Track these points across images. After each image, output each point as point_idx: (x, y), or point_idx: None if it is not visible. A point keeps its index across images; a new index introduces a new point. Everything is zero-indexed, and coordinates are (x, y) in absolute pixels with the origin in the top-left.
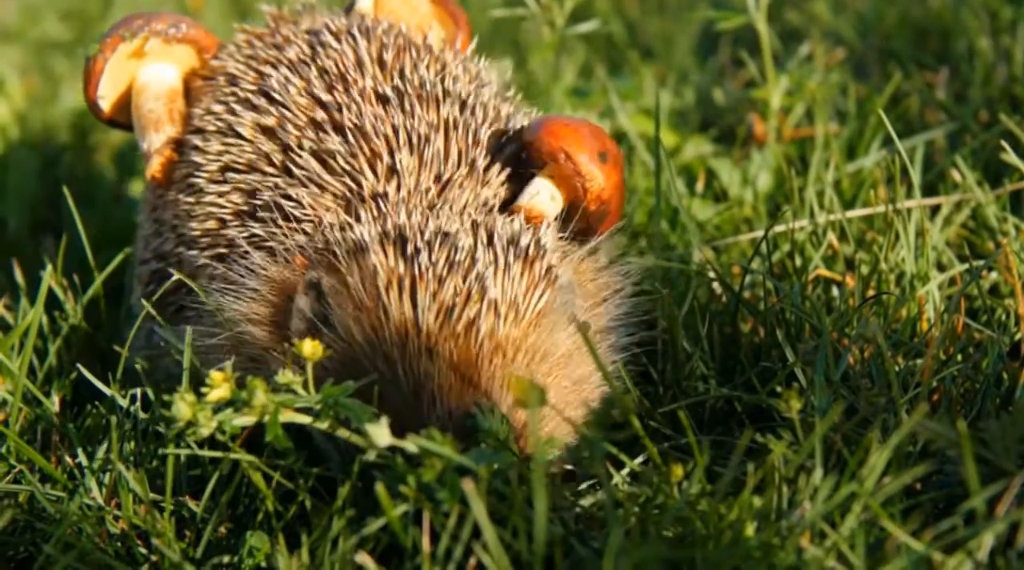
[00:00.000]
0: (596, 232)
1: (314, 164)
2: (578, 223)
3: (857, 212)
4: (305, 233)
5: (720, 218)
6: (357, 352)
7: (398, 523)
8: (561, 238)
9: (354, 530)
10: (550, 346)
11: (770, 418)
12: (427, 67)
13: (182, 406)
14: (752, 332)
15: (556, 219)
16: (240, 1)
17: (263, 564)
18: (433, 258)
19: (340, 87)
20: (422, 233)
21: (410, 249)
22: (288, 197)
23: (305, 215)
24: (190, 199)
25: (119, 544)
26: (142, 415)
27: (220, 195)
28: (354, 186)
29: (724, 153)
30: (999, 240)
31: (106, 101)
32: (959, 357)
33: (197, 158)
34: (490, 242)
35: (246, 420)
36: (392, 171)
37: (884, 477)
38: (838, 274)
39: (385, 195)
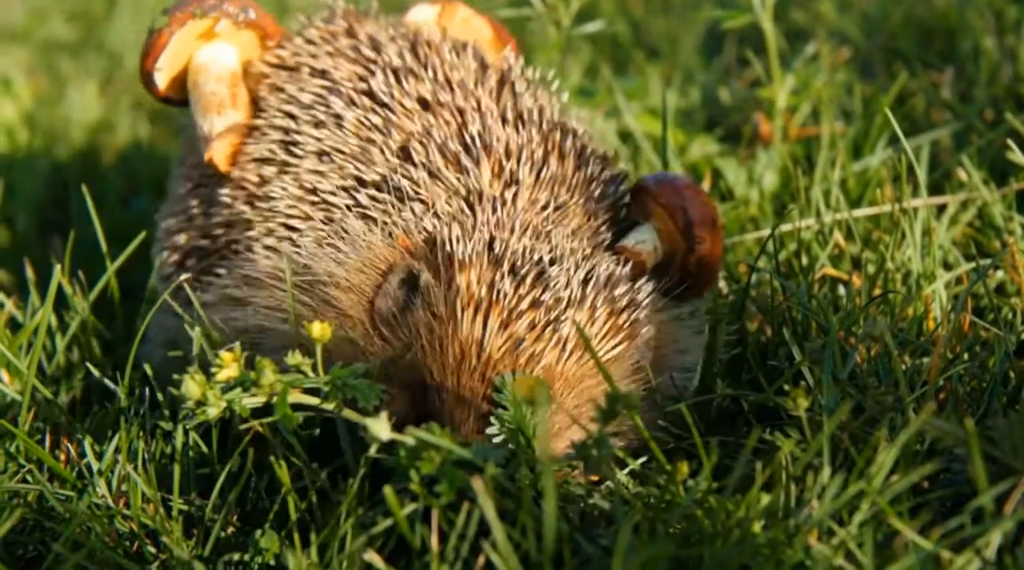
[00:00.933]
0: (686, 296)
1: (436, 157)
2: (670, 281)
3: (863, 211)
4: (414, 212)
5: (726, 217)
6: (417, 355)
7: (405, 523)
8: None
9: (363, 529)
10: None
11: (777, 417)
12: (530, 97)
13: (191, 385)
14: (759, 331)
15: (652, 270)
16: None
17: (272, 563)
18: (521, 291)
19: (457, 96)
20: (523, 259)
21: (504, 274)
22: (404, 177)
23: (418, 195)
24: (272, 169)
25: (128, 543)
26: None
27: (316, 172)
28: (474, 184)
29: (730, 152)
30: (1005, 239)
31: (163, 75)
32: (966, 356)
33: (284, 137)
34: (585, 283)
35: (255, 400)
36: (513, 181)
37: (892, 475)
38: (844, 273)
39: (503, 200)
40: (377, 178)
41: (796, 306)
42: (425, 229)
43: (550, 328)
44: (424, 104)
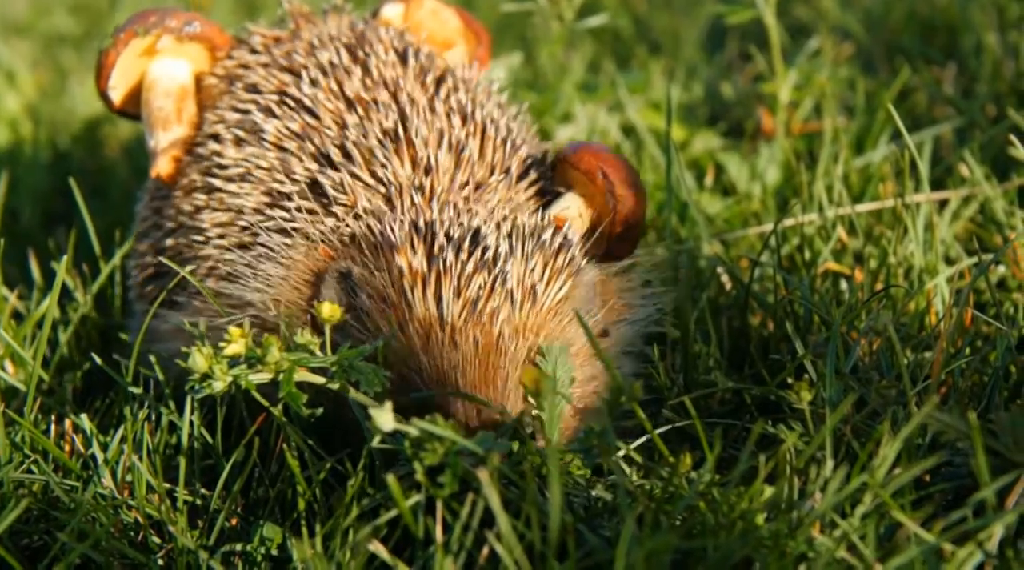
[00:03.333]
0: (616, 257)
1: (356, 155)
2: (598, 245)
3: (866, 206)
4: (336, 217)
5: (729, 212)
6: (381, 336)
7: (409, 514)
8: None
9: (367, 519)
10: (568, 336)
11: (779, 411)
12: (464, 91)
13: (198, 358)
14: (761, 325)
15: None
16: None
17: (275, 553)
18: (460, 256)
19: (384, 92)
20: (450, 230)
21: (437, 246)
22: (319, 182)
23: (338, 199)
24: (202, 196)
25: (133, 533)
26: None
27: (238, 194)
28: (391, 178)
29: (733, 147)
30: (1007, 234)
31: (117, 92)
32: (968, 350)
33: (209, 163)
34: (511, 235)
35: (261, 377)
36: (428, 169)
37: (894, 468)
38: (847, 268)
39: (421, 189)
40: (296, 189)
41: (798, 300)
42: (347, 231)
43: (498, 283)
44: (350, 103)
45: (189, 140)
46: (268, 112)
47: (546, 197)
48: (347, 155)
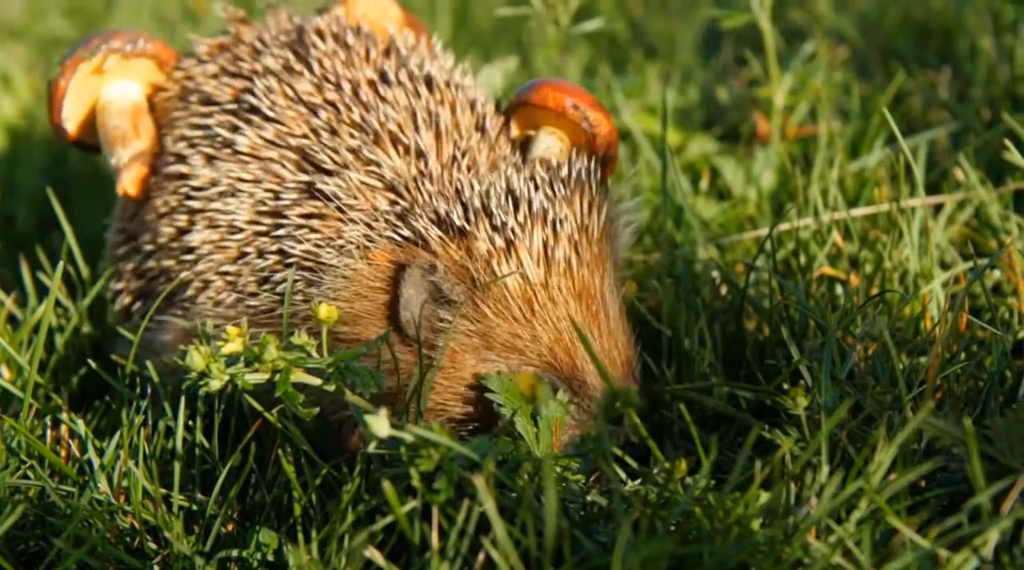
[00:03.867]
0: (604, 176)
1: (346, 157)
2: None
3: (861, 210)
4: (366, 223)
5: (724, 216)
6: (487, 323)
7: (405, 520)
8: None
9: (364, 525)
10: (616, 258)
11: (775, 415)
12: (411, 58)
13: (196, 356)
14: (757, 330)
15: None
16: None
17: (271, 558)
18: (519, 218)
19: (334, 86)
20: (495, 197)
21: (497, 216)
22: (321, 189)
23: (353, 205)
24: (183, 217)
25: (129, 539)
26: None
27: (225, 211)
28: (392, 173)
29: (728, 151)
30: (1002, 239)
31: (71, 122)
32: (963, 355)
33: (187, 182)
34: (538, 184)
35: (258, 377)
36: (419, 153)
37: (890, 474)
38: (842, 272)
39: (421, 174)
40: (293, 198)
41: (794, 305)
42: (399, 234)
43: (560, 230)
44: (310, 107)
45: (151, 153)
46: (233, 124)
47: (518, 144)
48: (335, 160)
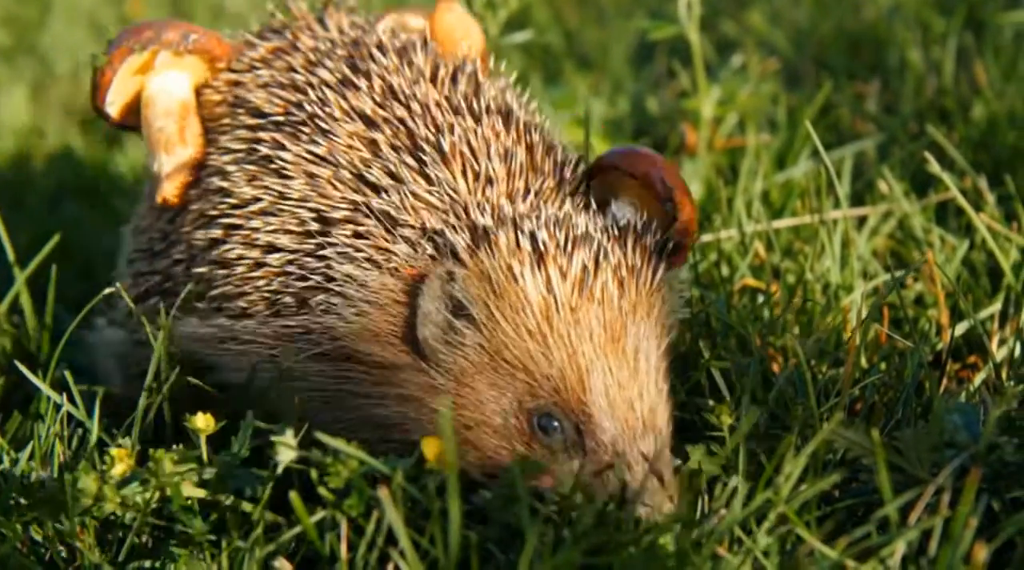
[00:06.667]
0: (675, 261)
1: (405, 173)
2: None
3: (783, 222)
4: (407, 240)
5: None
6: (500, 336)
7: (314, 531)
8: None
9: (272, 537)
10: (665, 317)
11: (692, 428)
12: (480, 83)
13: (88, 481)
14: (678, 340)
15: None
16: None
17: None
18: (555, 235)
19: (402, 103)
20: (537, 218)
21: (529, 229)
22: (372, 207)
23: (403, 222)
24: (218, 231)
25: (42, 550)
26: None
27: (265, 229)
28: (451, 193)
29: None
30: (925, 251)
31: (114, 107)
32: (882, 366)
33: (226, 200)
34: (598, 222)
35: (150, 495)
36: (488, 179)
37: (802, 485)
38: (763, 283)
39: (486, 201)
40: (342, 215)
41: (715, 315)
42: (423, 250)
43: (601, 258)
44: (368, 121)
45: (195, 162)
46: (280, 140)
47: (592, 205)
48: (392, 175)
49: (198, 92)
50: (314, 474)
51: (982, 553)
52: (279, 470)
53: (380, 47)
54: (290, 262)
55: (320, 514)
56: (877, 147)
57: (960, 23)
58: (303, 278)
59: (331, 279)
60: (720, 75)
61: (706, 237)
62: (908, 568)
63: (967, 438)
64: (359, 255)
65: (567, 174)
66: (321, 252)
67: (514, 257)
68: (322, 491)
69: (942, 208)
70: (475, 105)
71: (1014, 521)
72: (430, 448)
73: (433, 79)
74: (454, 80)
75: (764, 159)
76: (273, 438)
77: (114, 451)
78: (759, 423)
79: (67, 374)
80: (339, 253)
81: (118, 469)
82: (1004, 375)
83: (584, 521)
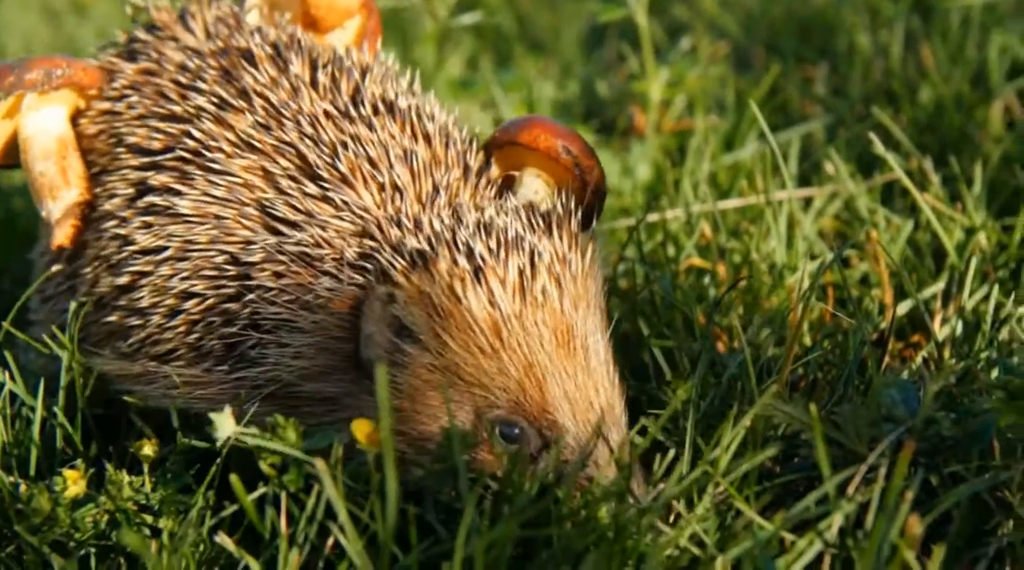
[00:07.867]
0: (592, 221)
1: (311, 204)
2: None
3: (731, 203)
4: (329, 274)
5: None
6: (450, 356)
7: (252, 509)
8: None
9: (212, 514)
10: (600, 299)
11: (636, 406)
12: (364, 81)
13: (42, 501)
14: (623, 319)
15: None
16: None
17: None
18: (490, 245)
19: (287, 119)
20: (466, 226)
21: (463, 245)
22: (286, 247)
23: (320, 257)
24: (124, 279)
25: None
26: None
27: (175, 276)
28: (360, 213)
29: (605, 144)
30: (869, 231)
31: None
32: (825, 344)
33: (125, 249)
34: (520, 217)
35: (101, 517)
36: (395, 188)
37: (740, 459)
38: (709, 263)
39: (398, 212)
40: (258, 258)
41: (660, 294)
42: (348, 278)
43: (536, 261)
44: (257, 151)
45: (83, 203)
46: (173, 186)
47: (500, 183)
48: (298, 209)
49: (74, 121)
50: (253, 445)
51: (916, 526)
52: (218, 445)
53: (250, 58)
54: (210, 309)
55: (261, 490)
56: (825, 129)
57: (908, 7)
58: (228, 323)
59: (259, 325)
60: (670, 58)
61: (653, 217)
62: (846, 540)
63: (904, 413)
64: (284, 298)
65: (470, 161)
66: (245, 297)
67: (454, 277)
68: (263, 466)
69: (888, 189)
70: (363, 108)
71: (951, 495)
72: (360, 430)
73: (313, 84)
74: (335, 81)
75: (712, 141)
76: (211, 415)
77: (67, 472)
78: (705, 400)
79: (7, 353)
80: (263, 298)
81: (71, 491)
82: (947, 354)
83: (522, 496)
